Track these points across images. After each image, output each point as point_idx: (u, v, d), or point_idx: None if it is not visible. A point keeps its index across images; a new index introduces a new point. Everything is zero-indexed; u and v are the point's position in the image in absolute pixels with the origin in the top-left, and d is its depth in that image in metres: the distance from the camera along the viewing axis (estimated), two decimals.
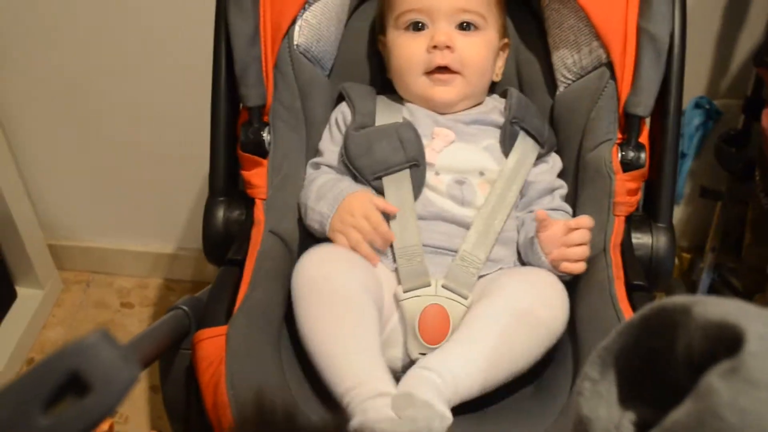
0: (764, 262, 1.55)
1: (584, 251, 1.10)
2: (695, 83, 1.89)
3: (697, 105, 1.93)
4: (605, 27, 1.16)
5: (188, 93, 1.66)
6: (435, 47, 1.19)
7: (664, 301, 0.54)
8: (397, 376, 1.09)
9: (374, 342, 1.00)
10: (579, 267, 1.10)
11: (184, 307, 1.00)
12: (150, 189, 2.04)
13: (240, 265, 1.08)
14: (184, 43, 1.68)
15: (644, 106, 1.14)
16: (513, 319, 1.01)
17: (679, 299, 0.53)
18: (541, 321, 1.02)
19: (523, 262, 1.19)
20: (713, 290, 1.97)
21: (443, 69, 1.21)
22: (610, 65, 1.17)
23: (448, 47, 1.19)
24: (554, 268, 1.12)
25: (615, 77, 1.16)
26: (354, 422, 0.91)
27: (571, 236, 1.09)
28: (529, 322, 1.02)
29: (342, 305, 1.01)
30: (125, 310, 2.16)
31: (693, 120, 1.94)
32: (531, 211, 1.22)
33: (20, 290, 2.09)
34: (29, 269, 2.06)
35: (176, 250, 2.17)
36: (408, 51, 1.22)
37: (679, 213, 2.05)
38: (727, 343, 0.45)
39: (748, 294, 1.65)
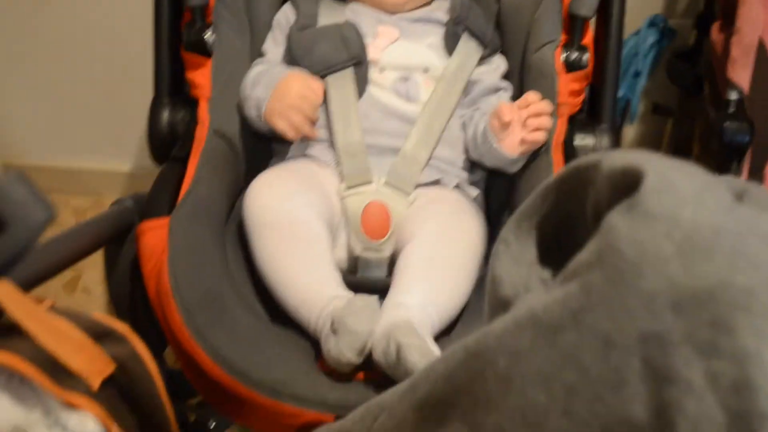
0: (711, 171, 1.57)
1: (548, 120, 1.11)
2: (652, 2, 1.89)
3: (652, 23, 1.94)
4: None
5: (140, 3, 1.63)
6: None
7: (577, 160, 0.54)
8: (342, 273, 1.11)
9: (327, 263, 1.03)
10: (542, 135, 1.11)
11: (128, 201, 1.01)
12: (106, 107, 2.01)
13: (183, 162, 1.08)
14: None
15: (587, 6, 1.14)
16: (452, 240, 1.05)
17: (591, 156, 0.54)
18: (472, 243, 1.07)
19: (469, 165, 1.20)
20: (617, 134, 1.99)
21: None
22: None
23: None
24: (514, 151, 1.12)
25: None
26: (332, 342, 0.93)
27: (532, 108, 1.10)
28: (463, 247, 1.05)
29: (294, 234, 1.03)
30: None
31: (647, 38, 1.94)
32: (477, 109, 1.22)
33: None
34: None
35: (133, 169, 2.15)
36: None
37: (632, 131, 2.07)
38: (629, 185, 0.46)
39: None
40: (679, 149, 1.96)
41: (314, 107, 1.12)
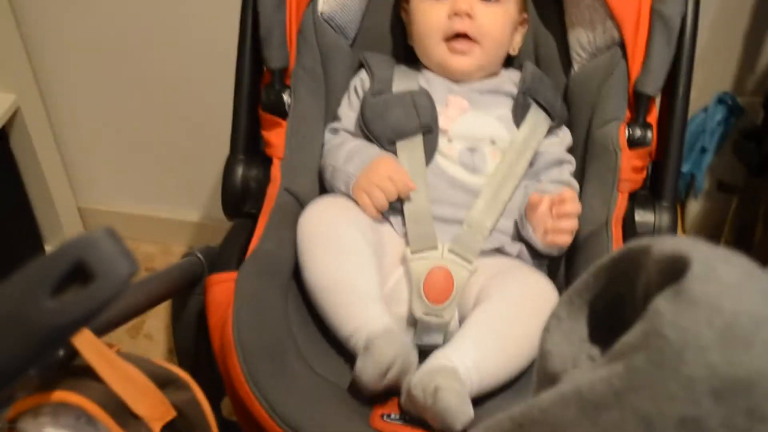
0: None
1: (572, 223, 1.14)
2: (721, 80, 1.90)
3: (720, 100, 1.94)
4: (619, 7, 1.19)
5: (219, 64, 1.70)
6: (455, 14, 1.23)
7: (629, 243, 0.56)
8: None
9: (373, 287, 1.07)
10: (565, 238, 1.14)
11: (198, 254, 1.05)
12: (179, 157, 2.08)
13: (254, 218, 1.13)
14: (214, 13, 1.72)
15: (653, 85, 1.17)
16: (515, 313, 1.07)
17: (643, 240, 0.56)
18: (539, 310, 1.06)
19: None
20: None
21: (462, 37, 1.25)
22: (622, 45, 1.20)
23: (468, 15, 1.23)
24: (543, 242, 1.15)
25: (626, 56, 1.20)
26: (359, 360, 0.97)
27: (560, 207, 1.13)
28: (529, 313, 1.06)
29: (342, 253, 1.08)
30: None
31: (715, 115, 1.94)
32: (538, 181, 1.25)
33: (49, 251, 2.14)
34: (59, 231, 2.11)
35: (202, 219, 2.20)
36: (429, 17, 1.26)
37: (696, 207, 2.06)
38: (676, 271, 0.48)
39: None
40: (744, 228, 1.95)
41: (397, 190, 1.16)
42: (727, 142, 1.98)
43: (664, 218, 1.19)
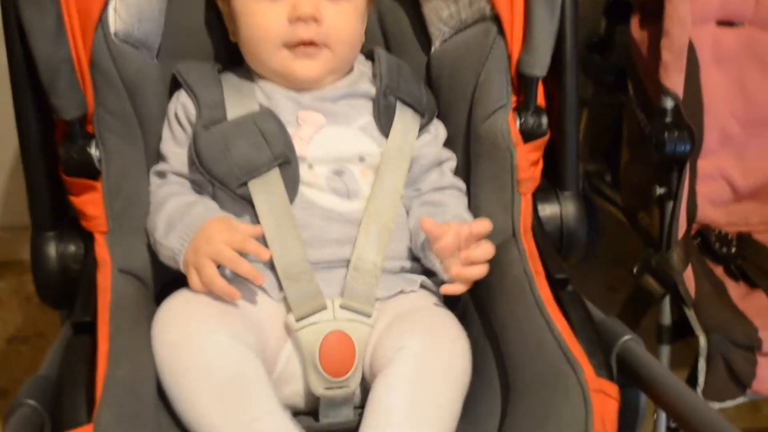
0: (644, 180, 1.47)
1: (483, 270, 0.96)
2: None
3: None
4: None
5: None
6: (299, 18, 0.99)
7: None
8: (300, 413, 0.95)
9: (264, 406, 0.85)
10: (480, 272, 0.96)
11: (32, 402, 0.79)
12: None
13: (90, 328, 0.87)
14: None
15: (541, 65, 0.99)
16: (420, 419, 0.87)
17: None
18: (451, 412, 0.90)
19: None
20: (585, 199, 1.91)
21: (308, 43, 1.01)
22: (496, 19, 1.01)
23: (314, 19, 0.99)
24: (452, 276, 0.97)
25: (504, 34, 1.00)
26: None
27: (470, 253, 0.95)
28: (437, 418, 0.88)
29: (216, 373, 0.84)
30: None
31: None
32: (417, 189, 1.07)
33: None
34: None
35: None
36: (264, 21, 1.01)
37: None
38: None
39: (629, 213, 1.59)
40: (597, 140, 1.86)
41: (237, 248, 0.91)
42: None
43: (570, 208, 1.05)
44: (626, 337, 0.85)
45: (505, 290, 0.96)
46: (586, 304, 0.91)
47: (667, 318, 1.43)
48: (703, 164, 1.52)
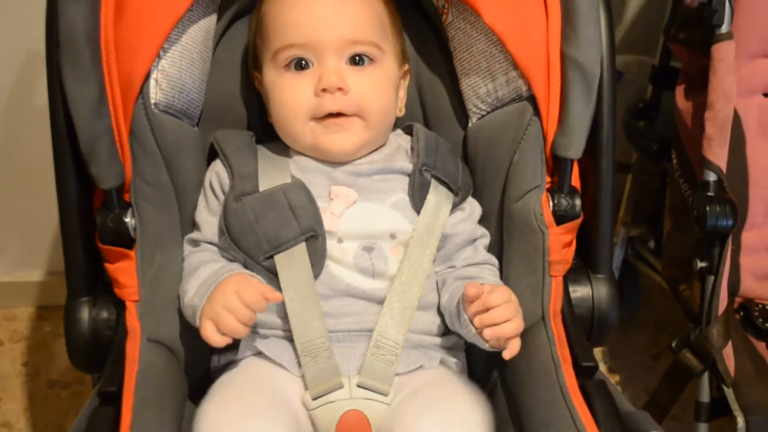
0: (685, 252, 1.45)
1: (515, 327, 0.94)
2: None
3: None
4: (524, 54, 0.98)
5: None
6: (324, 90, 0.99)
7: None
8: None
9: None
10: (513, 350, 0.94)
11: None
12: (9, 213, 1.85)
13: (116, 397, 0.88)
14: None
15: (576, 147, 0.98)
16: None
17: None
18: None
19: (447, 327, 1.03)
20: (627, 264, 1.89)
21: (337, 114, 1.01)
22: (532, 99, 1.00)
23: (340, 89, 0.99)
24: (486, 342, 0.96)
25: (539, 114, 1.00)
26: None
27: (492, 314, 0.93)
28: None
29: None
30: None
31: None
32: (452, 267, 1.06)
33: None
34: None
35: (44, 276, 1.96)
36: (291, 96, 1.02)
37: None
38: None
39: (671, 284, 1.56)
40: (640, 206, 1.84)
41: (250, 303, 0.91)
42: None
43: (602, 292, 1.02)
44: None
45: (531, 374, 0.95)
46: (613, 395, 0.89)
47: (705, 395, 1.40)
48: (747, 237, 1.49)
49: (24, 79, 1.61)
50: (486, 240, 1.08)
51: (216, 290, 0.93)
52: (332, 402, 0.93)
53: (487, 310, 0.93)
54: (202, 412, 0.89)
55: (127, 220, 0.96)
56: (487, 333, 0.93)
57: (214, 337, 0.92)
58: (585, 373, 0.91)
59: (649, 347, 1.90)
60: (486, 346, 0.97)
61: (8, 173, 1.75)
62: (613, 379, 1.81)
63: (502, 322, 0.93)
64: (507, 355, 0.94)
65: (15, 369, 1.84)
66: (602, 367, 1.76)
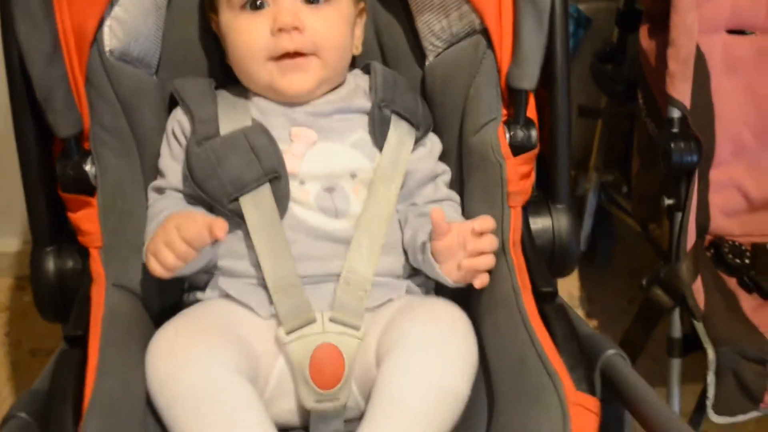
0: (654, 190, 1.46)
1: (490, 260, 0.96)
2: None
3: None
4: None
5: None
6: (280, 30, 1.00)
7: None
8: (294, 429, 0.96)
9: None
10: (483, 278, 0.96)
11: (23, 414, 0.81)
12: None
13: (82, 341, 0.89)
14: None
15: (529, 78, 0.98)
16: (428, 404, 0.86)
17: None
18: (456, 396, 0.89)
19: (412, 267, 1.05)
20: (601, 210, 1.90)
21: (294, 54, 1.02)
22: (485, 32, 1.01)
23: (296, 28, 1.00)
24: (450, 278, 0.97)
25: (492, 47, 1.00)
26: None
27: (477, 243, 0.94)
28: (444, 402, 0.88)
29: (210, 408, 0.84)
30: None
31: None
32: (413, 204, 1.07)
33: None
34: None
35: (21, 246, 1.95)
36: (247, 36, 1.02)
37: None
38: None
39: (641, 224, 1.58)
40: (611, 150, 1.85)
41: (188, 238, 0.90)
42: (579, 57, 1.86)
43: (562, 221, 1.04)
44: (610, 352, 0.84)
45: (492, 304, 0.96)
46: (572, 318, 0.90)
47: (677, 331, 1.42)
48: (715, 174, 1.50)
49: None
50: (447, 176, 1.09)
51: (159, 227, 0.93)
52: (306, 336, 0.94)
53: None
54: (152, 341, 0.91)
55: (87, 167, 0.96)
56: (465, 263, 0.94)
57: (155, 269, 0.91)
58: (544, 298, 0.92)
59: (625, 291, 1.92)
60: (449, 282, 0.98)
61: None
62: (591, 324, 1.83)
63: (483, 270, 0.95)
64: (478, 284, 0.95)
65: None
66: (579, 313, 1.77)
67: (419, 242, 1.00)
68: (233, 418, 0.84)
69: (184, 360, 0.87)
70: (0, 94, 0.98)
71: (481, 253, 0.94)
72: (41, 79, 0.91)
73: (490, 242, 0.95)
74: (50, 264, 0.98)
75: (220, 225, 0.88)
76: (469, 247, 0.94)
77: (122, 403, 0.85)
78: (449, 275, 0.97)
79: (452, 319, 0.94)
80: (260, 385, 0.92)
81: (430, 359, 0.89)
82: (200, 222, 0.89)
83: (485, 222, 0.94)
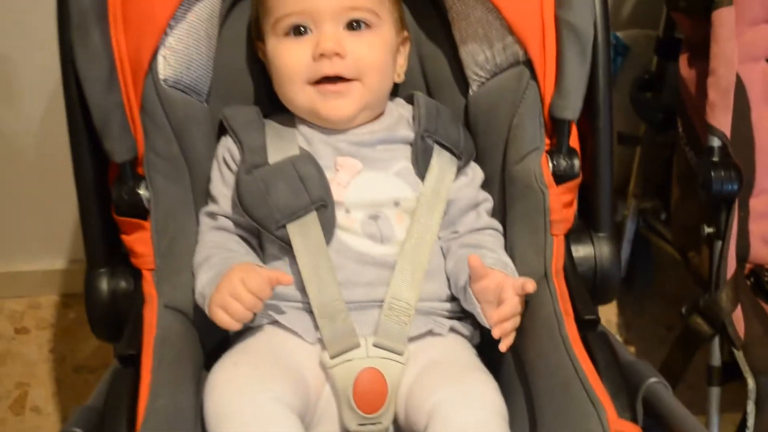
0: (694, 219, 1.47)
1: (514, 325, 0.99)
2: None
3: None
4: (519, 20, 1.01)
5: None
6: (322, 55, 1.03)
7: None
8: None
9: None
10: (508, 343, 0.98)
11: (78, 430, 0.84)
12: (31, 203, 1.89)
13: (135, 361, 0.92)
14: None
15: (572, 108, 1.00)
16: None
17: None
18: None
19: (452, 294, 1.07)
20: (639, 237, 1.91)
21: (335, 79, 1.04)
22: (528, 63, 1.03)
23: (337, 54, 1.03)
24: (488, 321, 0.99)
25: (536, 77, 1.02)
26: None
27: (500, 311, 0.97)
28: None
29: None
30: (21, 336, 1.97)
31: None
32: (455, 232, 1.09)
33: None
34: None
35: (67, 264, 1.99)
36: (288, 59, 1.05)
37: None
38: None
39: (681, 252, 1.58)
40: (650, 178, 1.86)
41: (256, 291, 0.94)
42: (619, 84, 1.87)
43: (604, 250, 1.05)
44: (652, 380, 0.85)
45: (535, 330, 0.97)
46: (614, 346, 0.91)
47: (716, 359, 1.41)
48: (755, 203, 1.50)
49: None
50: (489, 204, 1.11)
51: (224, 279, 0.96)
52: (350, 360, 0.97)
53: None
54: (211, 373, 0.93)
55: (141, 192, 1.00)
56: (495, 329, 0.97)
57: (225, 320, 0.95)
58: (587, 326, 0.94)
59: (663, 318, 1.91)
60: (484, 322, 1.00)
61: (28, 163, 1.79)
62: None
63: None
64: (503, 347, 0.98)
65: (42, 355, 1.88)
66: (618, 338, 1.77)
67: (461, 281, 1.02)
68: None
69: (246, 385, 0.89)
70: (58, 119, 1.03)
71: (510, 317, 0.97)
72: (98, 105, 0.95)
73: (512, 308, 0.96)
74: (104, 284, 1.01)
75: (287, 278, 0.94)
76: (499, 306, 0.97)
77: (174, 421, 0.88)
78: (488, 320, 0.99)
79: (480, 388, 0.95)
80: (310, 413, 0.95)
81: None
82: (263, 274, 0.94)
83: (528, 284, 0.96)
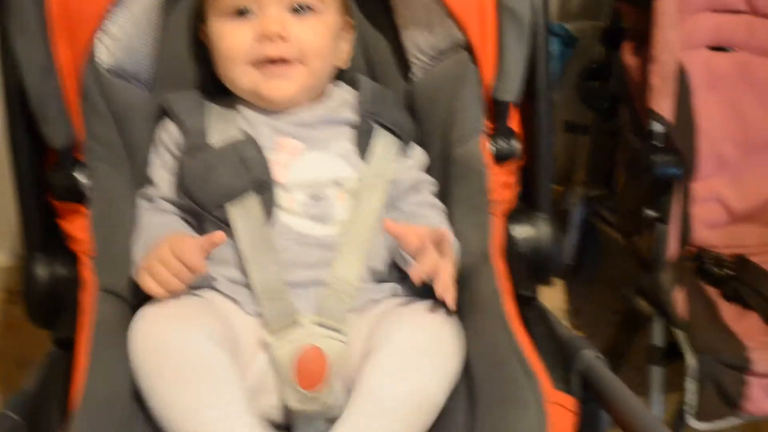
0: (637, 203, 1.49)
1: (450, 271, 0.96)
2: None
3: (552, 33, 1.84)
4: (458, 4, 1.02)
5: None
6: (265, 37, 1.02)
7: None
8: (276, 425, 0.98)
9: (233, 400, 0.86)
10: (450, 295, 0.96)
11: (12, 414, 0.83)
12: None
13: (71, 344, 0.91)
14: None
15: (512, 91, 1.02)
16: (400, 403, 0.88)
17: None
18: (430, 400, 0.90)
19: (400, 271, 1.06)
20: (587, 224, 1.93)
21: (278, 61, 1.04)
22: (469, 47, 1.04)
23: (280, 36, 1.03)
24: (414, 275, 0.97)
25: (475, 61, 1.03)
26: None
27: (425, 259, 0.94)
28: (418, 404, 0.89)
29: (187, 369, 0.86)
30: None
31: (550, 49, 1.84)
32: (398, 209, 1.09)
33: None
34: None
35: (11, 261, 1.97)
36: (230, 40, 1.04)
37: None
38: None
39: (626, 236, 1.61)
40: (597, 166, 1.89)
41: (183, 261, 0.92)
42: (567, 74, 1.89)
43: (543, 230, 1.06)
44: (587, 352, 0.87)
45: (475, 308, 0.98)
46: (551, 321, 0.93)
47: (658, 339, 1.44)
48: (698, 187, 1.53)
49: None
50: (431, 186, 1.11)
51: (155, 247, 0.95)
52: (290, 338, 0.96)
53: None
54: (136, 314, 0.93)
55: (80, 177, 0.99)
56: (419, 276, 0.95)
57: (151, 286, 0.93)
58: (524, 302, 0.95)
59: (611, 304, 1.93)
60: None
61: None
62: None
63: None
64: (449, 301, 0.95)
65: None
66: (566, 324, 1.80)
67: (395, 245, 1.01)
68: (219, 389, 0.86)
69: (171, 329, 0.89)
70: None
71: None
72: (36, 91, 0.94)
73: (431, 256, 0.94)
74: (41, 269, 1.00)
75: (219, 236, 0.93)
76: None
77: (110, 405, 0.86)
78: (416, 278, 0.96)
79: (439, 325, 0.95)
80: (240, 368, 0.93)
81: (410, 362, 0.90)
82: (192, 241, 0.93)
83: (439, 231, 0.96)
